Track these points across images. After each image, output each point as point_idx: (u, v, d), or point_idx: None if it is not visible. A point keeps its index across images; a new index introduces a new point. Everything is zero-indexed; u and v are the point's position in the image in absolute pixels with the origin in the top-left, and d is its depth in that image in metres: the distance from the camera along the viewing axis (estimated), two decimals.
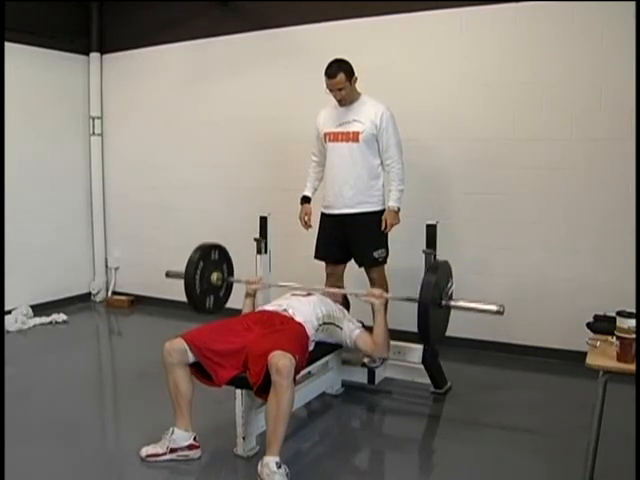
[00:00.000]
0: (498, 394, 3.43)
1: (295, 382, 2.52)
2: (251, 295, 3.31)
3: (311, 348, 2.88)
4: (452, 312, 3.27)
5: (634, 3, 3.36)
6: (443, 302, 2.95)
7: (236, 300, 3.53)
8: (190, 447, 2.63)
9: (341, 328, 3.08)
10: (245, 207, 4.67)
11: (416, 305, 2.79)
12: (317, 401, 3.26)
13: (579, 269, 3.81)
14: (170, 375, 2.62)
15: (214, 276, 3.43)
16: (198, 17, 4.98)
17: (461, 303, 2.98)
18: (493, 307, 2.88)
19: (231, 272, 3.57)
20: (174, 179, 5.23)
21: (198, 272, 3.32)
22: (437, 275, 2.88)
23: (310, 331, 2.86)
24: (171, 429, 2.62)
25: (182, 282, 3.31)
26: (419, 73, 4.15)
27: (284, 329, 2.76)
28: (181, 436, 2.61)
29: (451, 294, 3.03)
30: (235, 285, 3.53)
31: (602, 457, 2.24)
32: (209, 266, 3.40)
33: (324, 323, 2.99)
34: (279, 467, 2.34)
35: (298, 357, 2.48)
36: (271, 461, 2.35)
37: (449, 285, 3.03)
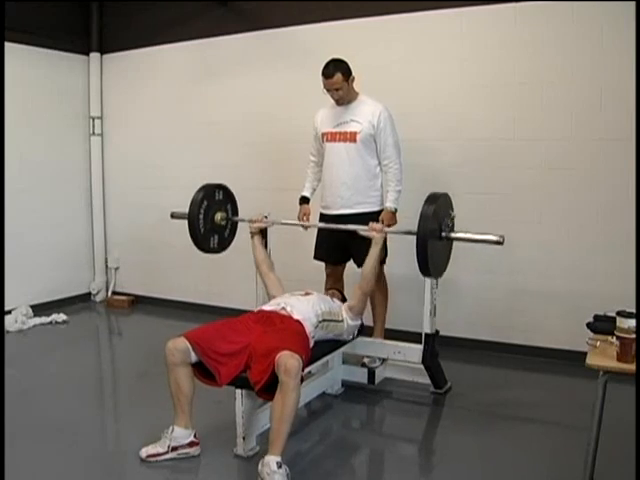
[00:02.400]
0: (498, 394, 3.43)
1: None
2: (256, 234, 3.39)
3: (311, 345, 2.88)
4: (453, 312, 3.30)
5: (634, 3, 3.35)
6: (443, 234, 2.94)
7: (238, 300, 3.54)
8: (191, 444, 2.64)
9: (341, 320, 3.09)
10: (245, 207, 4.66)
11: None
12: (317, 401, 3.26)
13: (579, 269, 3.81)
14: (172, 374, 2.62)
15: (218, 216, 3.48)
16: (198, 17, 4.98)
17: (460, 234, 2.98)
18: (493, 237, 2.90)
19: (235, 212, 3.63)
20: (174, 179, 5.22)
21: (202, 211, 3.37)
22: (436, 206, 2.86)
23: (309, 329, 2.86)
24: (171, 427, 2.62)
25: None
26: (419, 73, 4.15)
27: (285, 328, 2.77)
28: (181, 434, 2.62)
29: (452, 225, 3.01)
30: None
31: (602, 457, 2.24)
32: (213, 206, 3.46)
33: (323, 320, 2.99)
34: (280, 467, 2.34)
35: (304, 357, 2.49)
36: (272, 460, 2.35)
37: (450, 216, 3.01)
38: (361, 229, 3.22)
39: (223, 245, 3.61)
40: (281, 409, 2.38)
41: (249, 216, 3.47)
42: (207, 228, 3.43)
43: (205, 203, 3.40)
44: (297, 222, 3.58)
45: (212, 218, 3.46)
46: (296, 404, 2.42)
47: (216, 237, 3.52)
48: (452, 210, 3.09)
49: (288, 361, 2.38)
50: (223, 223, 3.54)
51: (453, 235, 3.02)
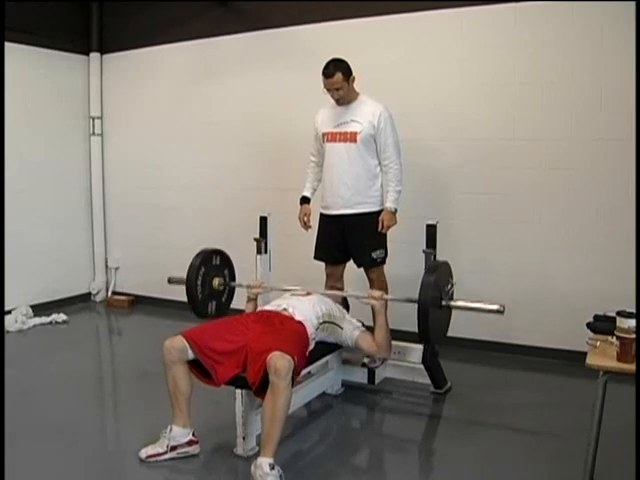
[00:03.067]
0: (498, 394, 3.43)
1: (295, 383, 2.52)
2: (253, 300, 3.31)
3: (311, 347, 2.88)
4: (453, 312, 3.28)
5: (634, 3, 3.36)
6: (443, 302, 2.95)
7: (237, 300, 3.54)
8: (190, 443, 2.64)
9: (341, 328, 3.08)
10: (245, 207, 4.67)
11: (416, 305, 2.78)
12: (317, 401, 3.26)
13: (579, 269, 3.81)
14: (169, 372, 2.62)
15: (216, 281, 3.44)
16: (198, 17, 4.98)
17: (461, 303, 2.98)
18: (494, 307, 2.89)
19: (233, 277, 3.58)
20: (174, 179, 5.23)
21: (200, 277, 3.34)
22: (436, 275, 2.88)
23: (310, 329, 2.86)
24: (169, 427, 2.62)
25: (184, 286, 3.31)
26: (419, 73, 4.15)
27: (284, 328, 2.76)
28: (180, 433, 2.61)
29: (452, 294, 3.03)
30: (237, 288, 3.53)
31: (602, 457, 2.24)
32: (211, 271, 3.42)
33: (324, 322, 2.99)
34: (272, 468, 2.33)
35: (297, 358, 2.46)
36: (264, 462, 2.33)
37: (450, 285, 3.03)
38: (360, 296, 3.16)
39: (221, 310, 3.52)
40: (272, 410, 2.37)
41: (247, 282, 3.39)
42: (205, 294, 3.38)
43: (203, 269, 3.35)
44: (292, 287, 3.37)
45: (210, 284, 3.42)
46: (287, 405, 2.40)
47: (214, 303, 3.46)
48: (452, 278, 3.09)
49: (278, 362, 2.37)
50: (221, 288, 3.49)
51: (453, 304, 2.99)
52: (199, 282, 3.33)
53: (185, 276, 3.33)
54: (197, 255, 3.38)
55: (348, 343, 3.10)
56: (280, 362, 2.37)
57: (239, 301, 3.98)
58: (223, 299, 3.53)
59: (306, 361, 2.74)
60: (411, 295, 2.94)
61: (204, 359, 2.58)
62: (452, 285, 3.05)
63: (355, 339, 3.07)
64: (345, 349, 3.27)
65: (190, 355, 2.60)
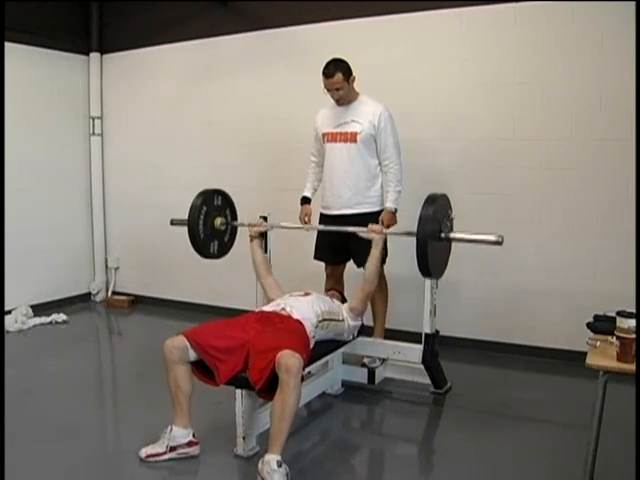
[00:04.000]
0: (498, 394, 3.43)
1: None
2: (255, 237, 3.40)
3: (311, 346, 2.88)
4: (453, 312, 3.30)
5: (634, 3, 3.35)
6: (442, 235, 2.95)
7: (238, 296, 3.54)
8: (189, 444, 2.63)
9: (342, 320, 3.10)
10: (245, 207, 4.66)
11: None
12: (317, 401, 3.26)
13: (579, 269, 3.81)
14: (170, 372, 2.62)
15: (217, 221, 3.49)
16: (198, 17, 4.98)
17: (460, 235, 3.00)
18: (492, 237, 2.92)
19: (234, 217, 3.65)
20: (174, 179, 5.23)
21: (201, 217, 3.38)
22: (434, 207, 2.88)
23: (309, 328, 2.87)
24: (169, 427, 2.62)
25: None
26: (419, 73, 4.15)
27: (285, 327, 2.77)
28: (180, 433, 2.61)
29: (451, 226, 3.02)
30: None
31: (602, 457, 2.24)
32: (212, 211, 3.47)
33: (323, 320, 2.99)
34: (280, 466, 2.34)
35: (305, 356, 2.49)
36: (272, 459, 2.34)
37: (449, 217, 3.03)
38: (360, 230, 3.22)
39: (223, 250, 3.63)
40: (281, 408, 2.38)
41: (248, 220, 3.47)
42: (207, 234, 3.44)
43: (204, 209, 3.41)
44: (296, 225, 3.56)
45: (212, 223, 3.47)
46: (296, 403, 2.42)
47: (216, 242, 3.53)
48: (451, 210, 3.10)
49: (289, 360, 2.38)
50: (223, 228, 3.55)
51: (452, 235, 3.03)
52: (201, 222, 3.38)
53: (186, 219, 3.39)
54: (198, 195, 3.45)
55: (349, 322, 3.13)
56: (291, 360, 2.38)
57: (239, 301, 3.99)
58: (225, 239, 3.59)
59: (308, 360, 2.74)
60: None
61: (207, 358, 2.58)
62: (451, 217, 3.05)
63: (347, 307, 3.17)
64: (345, 348, 3.27)
65: (192, 355, 2.60)
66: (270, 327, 2.75)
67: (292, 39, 4.56)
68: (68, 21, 5.26)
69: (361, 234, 3.21)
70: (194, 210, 3.38)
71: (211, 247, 3.51)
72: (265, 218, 3.73)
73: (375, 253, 3.15)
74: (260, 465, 2.37)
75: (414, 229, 2.93)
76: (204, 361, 2.59)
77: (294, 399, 2.39)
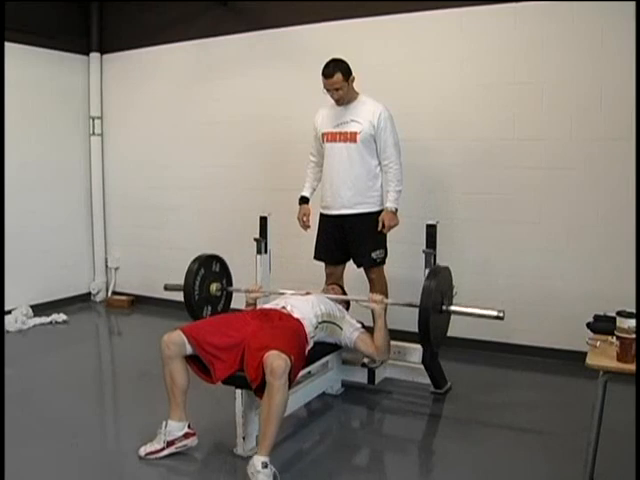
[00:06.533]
0: (498, 394, 3.43)
1: (293, 382, 2.52)
2: (252, 304, 3.30)
3: (310, 346, 2.88)
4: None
5: (634, 3, 3.36)
6: (444, 307, 2.96)
7: (238, 296, 3.54)
8: (186, 435, 2.64)
9: (341, 328, 3.09)
10: (245, 207, 4.67)
11: (418, 287, 2.81)
12: (317, 401, 3.26)
13: (579, 269, 3.81)
14: (166, 367, 2.62)
15: (213, 287, 3.46)
16: (198, 17, 4.98)
17: (461, 308, 2.99)
18: (493, 312, 2.91)
19: (230, 283, 3.60)
20: (174, 179, 5.23)
21: (197, 281, 3.36)
22: (437, 280, 2.90)
23: (308, 328, 2.86)
24: (164, 422, 2.62)
25: (182, 277, 3.33)
26: (419, 73, 4.15)
27: (282, 325, 2.77)
28: (175, 426, 2.62)
29: (451, 299, 3.04)
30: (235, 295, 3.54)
31: (602, 457, 2.24)
32: (209, 276, 3.44)
33: (323, 321, 2.99)
34: (265, 467, 2.34)
35: (294, 358, 2.46)
36: (258, 461, 2.35)
37: (450, 290, 3.04)
38: (361, 300, 3.17)
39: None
40: (267, 410, 2.37)
41: (245, 286, 3.39)
42: (202, 297, 3.40)
43: (202, 271, 3.39)
44: (291, 291, 3.36)
45: (207, 288, 3.44)
46: (282, 405, 2.40)
47: (209, 308, 3.48)
48: (453, 284, 3.12)
49: (274, 361, 2.37)
50: (218, 294, 3.51)
51: (453, 309, 3.01)
52: (197, 285, 3.35)
53: (181, 282, 3.35)
54: (194, 260, 3.42)
55: (347, 344, 3.11)
56: (276, 362, 2.37)
57: (239, 301, 3.97)
58: (219, 307, 3.55)
59: (305, 360, 2.74)
60: (412, 298, 2.94)
61: (203, 354, 2.58)
62: (453, 291, 3.07)
63: (354, 340, 3.08)
64: (345, 349, 3.27)
65: (188, 350, 2.60)
66: (268, 324, 2.75)
67: (292, 39, 4.56)
68: (68, 21, 5.26)
69: (362, 305, 3.14)
70: (190, 274, 3.35)
71: (204, 311, 3.45)
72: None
73: (379, 324, 3.05)
74: (248, 466, 2.37)
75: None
76: (200, 357, 2.59)
77: (279, 401, 2.37)
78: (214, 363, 2.57)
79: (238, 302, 3.41)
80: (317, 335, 2.96)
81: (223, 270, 3.56)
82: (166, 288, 3.63)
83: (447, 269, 3.13)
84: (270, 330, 2.67)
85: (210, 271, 3.46)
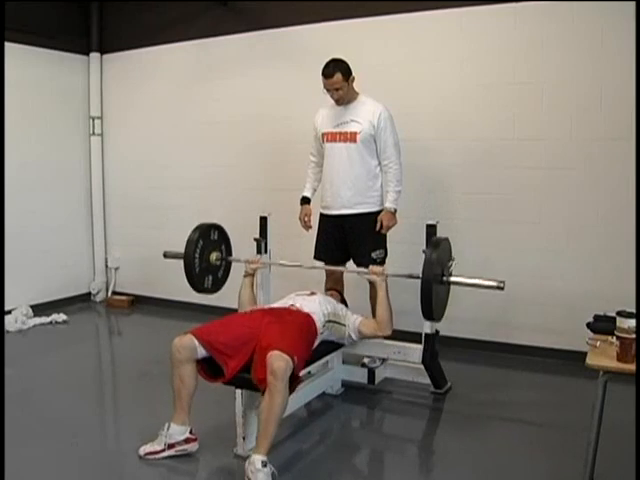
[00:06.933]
0: (498, 394, 3.43)
1: (297, 383, 2.51)
2: (250, 274, 3.33)
3: (317, 343, 2.88)
4: (453, 311, 3.30)
5: (634, 3, 3.36)
6: (444, 278, 2.97)
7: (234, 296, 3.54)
8: (187, 440, 2.64)
9: (344, 325, 3.10)
10: (245, 207, 4.67)
11: (418, 287, 2.83)
12: (317, 401, 3.26)
13: (579, 269, 3.81)
14: (176, 370, 2.61)
15: (213, 256, 3.45)
16: (198, 17, 4.99)
17: (462, 279, 3.00)
18: (493, 282, 2.93)
19: (230, 252, 3.61)
20: (174, 179, 5.23)
21: (198, 251, 3.35)
22: (438, 251, 2.91)
23: (318, 323, 2.88)
24: (167, 425, 2.62)
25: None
26: (419, 73, 4.15)
27: (292, 321, 2.78)
28: (177, 430, 2.62)
29: (452, 270, 3.04)
30: (233, 272, 3.55)
31: (602, 457, 2.24)
32: (208, 246, 3.44)
33: (329, 321, 3.00)
34: (264, 466, 2.34)
35: (298, 357, 2.46)
36: (257, 459, 2.35)
37: (451, 261, 3.05)
38: (362, 272, 3.20)
39: (217, 285, 3.55)
40: (267, 410, 2.38)
41: (245, 257, 3.41)
42: (202, 267, 3.40)
43: (201, 242, 3.38)
44: (294, 263, 3.44)
45: (207, 258, 3.44)
46: (282, 405, 2.40)
47: (210, 277, 3.48)
48: (452, 255, 3.12)
49: (275, 362, 2.37)
50: (218, 263, 3.50)
51: (453, 279, 3.02)
52: (197, 255, 3.35)
53: (181, 250, 3.35)
54: (195, 229, 3.42)
55: (351, 335, 3.12)
56: (277, 363, 2.37)
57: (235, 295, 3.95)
58: (219, 275, 3.55)
59: (310, 357, 2.74)
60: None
61: (216, 355, 2.58)
62: (452, 261, 3.07)
63: (357, 325, 3.10)
64: (345, 348, 3.27)
65: (200, 354, 2.60)
66: (279, 319, 2.76)
67: (292, 39, 4.56)
68: (68, 21, 5.26)
69: (364, 276, 3.18)
70: (191, 243, 3.33)
71: (205, 281, 3.45)
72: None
73: (381, 297, 3.06)
74: (246, 464, 2.38)
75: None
76: (213, 358, 2.59)
77: (279, 402, 2.38)
78: (227, 362, 2.57)
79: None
80: (324, 333, 2.97)
81: (222, 238, 3.56)
82: (165, 255, 3.63)
83: (447, 240, 3.13)
84: (280, 325, 2.68)
85: (209, 240, 3.46)
